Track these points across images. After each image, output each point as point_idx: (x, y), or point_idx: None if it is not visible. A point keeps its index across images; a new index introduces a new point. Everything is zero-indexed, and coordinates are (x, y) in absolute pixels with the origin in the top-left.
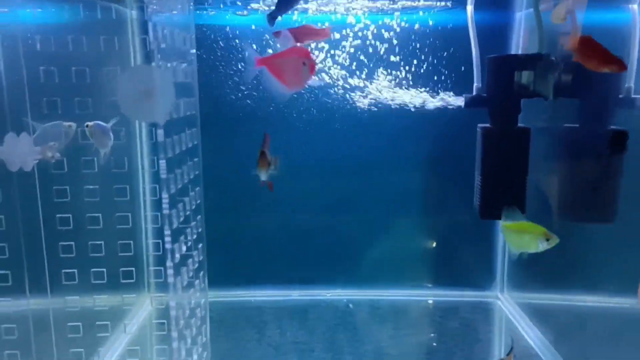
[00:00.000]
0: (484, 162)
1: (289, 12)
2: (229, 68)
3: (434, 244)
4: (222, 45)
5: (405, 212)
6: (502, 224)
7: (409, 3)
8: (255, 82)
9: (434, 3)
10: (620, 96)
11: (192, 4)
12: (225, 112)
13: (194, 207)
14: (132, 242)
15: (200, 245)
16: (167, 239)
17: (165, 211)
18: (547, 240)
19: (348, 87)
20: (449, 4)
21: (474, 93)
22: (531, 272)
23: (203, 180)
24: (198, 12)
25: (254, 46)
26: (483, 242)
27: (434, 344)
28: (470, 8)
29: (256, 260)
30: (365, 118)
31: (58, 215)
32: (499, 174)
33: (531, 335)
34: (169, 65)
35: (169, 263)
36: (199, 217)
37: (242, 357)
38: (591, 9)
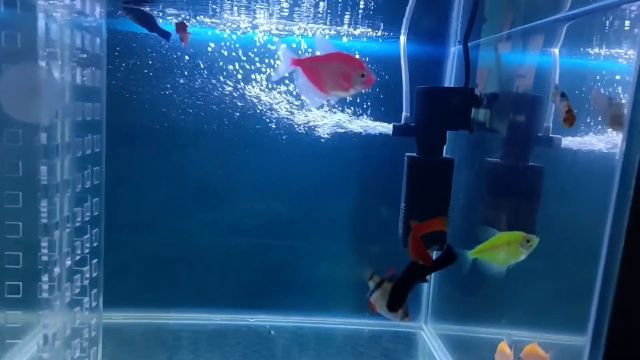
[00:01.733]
0: (408, 190)
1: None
2: (163, 80)
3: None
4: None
5: (336, 237)
6: (469, 254)
7: (350, 30)
8: (196, 96)
9: (370, 31)
10: (540, 134)
11: (104, 9)
12: (164, 125)
13: (87, 218)
14: (20, 254)
15: (95, 261)
16: (44, 251)
17: (44, 220)
18: (528, 241)
19: (283, 106)
20: (385, 33)
21: (402, 122)
22: (454, 303)
23: (109, 193)
24: None
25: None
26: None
27: None
28: (402, 39)
29: (180, 282)
30: (301, 139)
31: None
32: (422, 203)
33: None
34: (60, 64)
35: (44, 278)
36: (95, 230)
37: None
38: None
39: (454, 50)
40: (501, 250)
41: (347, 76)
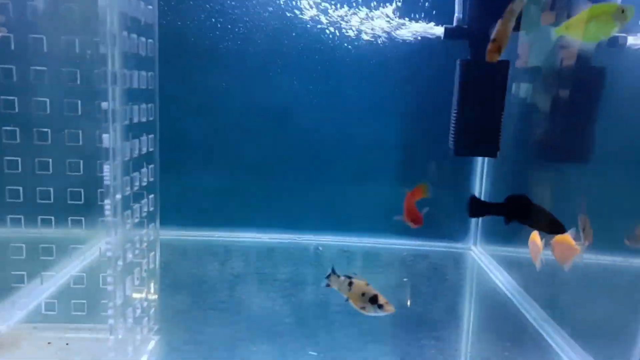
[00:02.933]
0: (460, 95)
1: None
2: None
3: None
4: None
5: (383, 159)
6: (554, 31)
7: None
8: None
9: None
10: None
11: None
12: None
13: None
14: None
15: (151, 196)
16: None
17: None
18: (623, 12)
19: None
20: None
21: (455, 24)
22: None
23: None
24: None
25: None
26: (458, 194)
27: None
28: None
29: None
30: (343, 51)
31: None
32: (474, 107)
33: (502, 280)
34: None
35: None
36: (151, 166)
37: None
38: None
39: None
40: (591, 24)
41: None
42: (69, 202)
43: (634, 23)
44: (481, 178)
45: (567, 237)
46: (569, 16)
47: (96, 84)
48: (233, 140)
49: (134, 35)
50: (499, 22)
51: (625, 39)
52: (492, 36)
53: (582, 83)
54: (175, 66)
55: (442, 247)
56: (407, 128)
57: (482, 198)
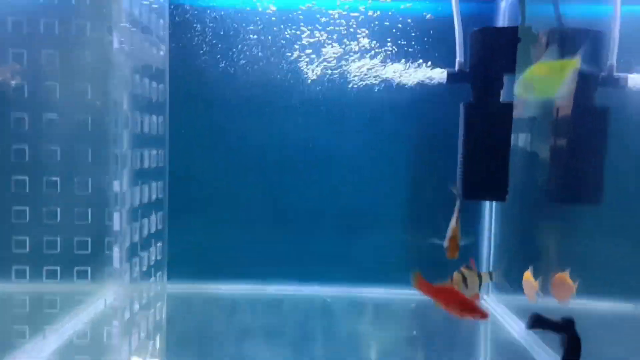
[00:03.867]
0: (465, 139)
1: None
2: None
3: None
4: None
5: (392, 207)
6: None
7: None
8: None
9: None
10: (603, 74)
11: None
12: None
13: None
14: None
15: (159, 244)
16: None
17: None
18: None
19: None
20: None
21: (457, 68)
22: (517, 268)
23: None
24: None
25: None
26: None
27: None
28: None
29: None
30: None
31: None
32: (480, 150)
33: (518, 331)
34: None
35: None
36: (160, 213)
37: None
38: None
39: (504, 5)
40: (539, 82)
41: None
42: (76, 252)
43: (637, 62)
44: (490, 220)
45: (565, 276)
46: (562, 55)
47: (107, 130)
48: (238, 189)
49: (146, 80)
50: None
51: (627, 79)
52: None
53: (588, 124)
54: (187, 115)
55: None
56: (413, 173)
57: (492, 241)
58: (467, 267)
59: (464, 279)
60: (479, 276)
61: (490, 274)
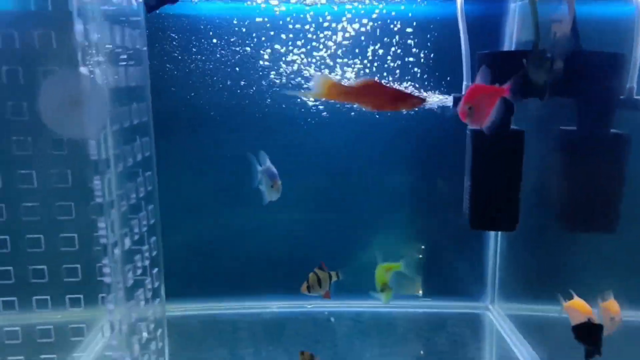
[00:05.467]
0: (474, 167)
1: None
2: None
3: (422, 252)
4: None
5: (393, 221)
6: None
7: None
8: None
9: None
10: (622, 97)
11: None
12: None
13: (145, 228)
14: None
15: (155, 271)
16: (106, 270)
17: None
18: None
19: None
20: None
21: (463, 93)
22: (524, 280)
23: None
24: None
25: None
26: (473, 250)
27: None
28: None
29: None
30: (353, 118)
31: None
32: (490, 180)
33: (523, 352)
34: (104, 68)
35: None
36: (152, 239)
37: None
38: (593, 1)
39: (514, 6)
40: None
41: None
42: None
43: None
44: (495, 236)
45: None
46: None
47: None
48: (235, 202)
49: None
50: None
51: None
52: None
53: (607, 150)
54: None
55: (458, 307)
56: (417, 187)
57: (498, 258)
58: (320, 268)
59: (318, 279)
60: (330, 276)
61: (337, 273)
